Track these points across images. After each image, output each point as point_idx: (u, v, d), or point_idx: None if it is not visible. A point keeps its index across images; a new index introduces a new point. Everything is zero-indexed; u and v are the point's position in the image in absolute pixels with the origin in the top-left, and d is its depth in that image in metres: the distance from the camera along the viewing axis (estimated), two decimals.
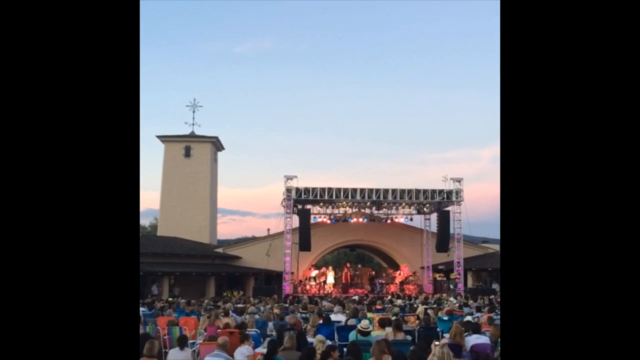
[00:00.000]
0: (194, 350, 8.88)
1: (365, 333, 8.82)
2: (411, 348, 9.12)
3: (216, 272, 30.71)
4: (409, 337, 9.52)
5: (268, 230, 35.16)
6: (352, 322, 12.02)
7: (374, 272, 33.36)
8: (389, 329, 9.50)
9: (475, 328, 9.01)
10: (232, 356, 8.12)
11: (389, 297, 23.87)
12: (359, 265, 34.86)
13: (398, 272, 32.72)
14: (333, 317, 12.50)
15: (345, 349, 8.80)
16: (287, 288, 27.29)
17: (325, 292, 29.13)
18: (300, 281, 30.24)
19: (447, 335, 9.77)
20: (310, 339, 9.38)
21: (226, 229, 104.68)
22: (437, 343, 6.68)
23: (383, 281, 31.21)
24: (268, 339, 9.54)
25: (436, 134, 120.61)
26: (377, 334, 9.03)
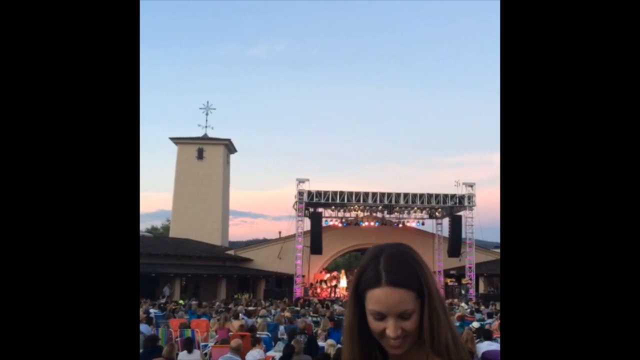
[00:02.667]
0: (206, 353, 8.93)
1: None
2: None
3: (227, 275, 30.83)
4: None
5: (279, 233, 35.27)
6: None
7: None
8: None
9: (486, 335, 8.97)
10: (244, 359, 8.17)
11: None
12: None
13: None
14: None
15: None
16: (298, 291, 27.33)
17: (336, 295, 29.13)
18: (311, 284, 30.26)
19: None
20: (321, 343, 9.40)
21: (237, 231, 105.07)
22: None
23: None
24: (280, 343, 9.58)
25: (449, 138, 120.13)
26: None
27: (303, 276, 28.41)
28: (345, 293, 29.79)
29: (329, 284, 30.67)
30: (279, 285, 30.92)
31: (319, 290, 30.00)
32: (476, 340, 8.71)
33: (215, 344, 9.02)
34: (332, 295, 29.31)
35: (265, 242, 38.29)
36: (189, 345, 7.97)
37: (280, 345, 9.50)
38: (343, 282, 30.89)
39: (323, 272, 32.03)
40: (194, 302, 20.18)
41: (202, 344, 9.70)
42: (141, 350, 7.95)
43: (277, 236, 35.75)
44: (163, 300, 22.87)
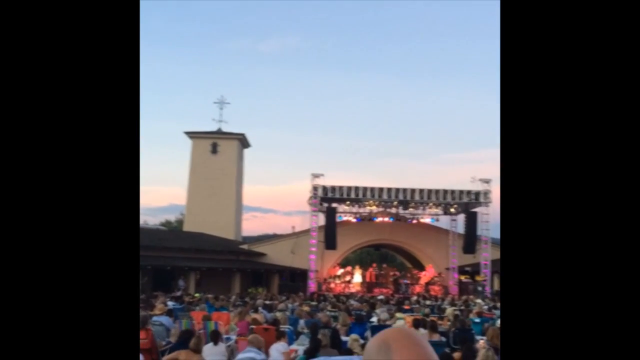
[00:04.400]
0: (229, 345, 8.95)
1: None
2: (446, 350, 9.04)
3: (241, 269, 30.93)
4: (443, 339, 9.45)
5: (293, 227, 35.33)
6: (385, 316, 11.98)
7: (398, 273, 33.16)
8: (423, 330, 9.44)
9: None
10: (267, 352, 8.16)
11: (415, 297, 23.76)
12: (384, 265, 34.77)
13: (423, 273, 32.52)
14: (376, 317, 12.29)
15: None
16: (312, 286, 27.35)
17: (350, 290, 29.12)
18: (325, 279, 30.28)
19: (481, 338, 9.67)
20: (343, 338, 9.38)
21: (248, 225, 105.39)
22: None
23: (408, 281, 31.06)
24: (303, 336, 9.57)
25: (464, 133, 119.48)
26: None
27: (316, 271, 28.43)
28: (360, 288, 29.77)
29: (342, 279, 30.66)
30: (293, 279, 30.99)
31: (332, 285, 30.01)
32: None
33: (239, 336, 9.03)
34: (346, 290, 29.29)
35: (278, 236, 38.35)
36: (215, 337, 7.98)
37: (302, 339, 9.50)
38: (357, 277, 30.83)
39: (337, 267, 32.03)
40: (210, 296, 20.29)
41: (224, 336, 9.72)
42: (170, 341, 7.98)
43: (287, 231, 35.85)
44: (179, 293, 23.01)
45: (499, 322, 10.95)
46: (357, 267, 32.39)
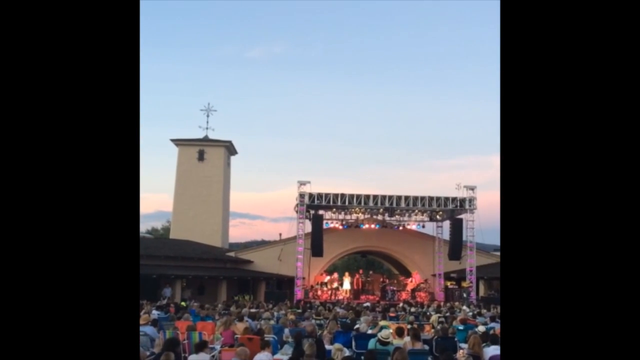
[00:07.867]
0: (213, 356, 8.95)
1: (385, 343, 8.84)
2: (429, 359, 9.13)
3: (228, 276, 30.80)
4: (426, 347, 9.53)
5: (280, 235, 35.27)
6: (364, 328, 12.03)
7: (387, 280, 33.20)
8: (407, 338, 9.52)
9: (493, 339, 9.00)
10: None
11: (401, 304, 23.84)
12: (370, 272, 34.80)
13: (410, 279, 32.64)
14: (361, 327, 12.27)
15: (363, 358, 8.84)
16: (299, 293, 27.32)
17: (337, 298, 29.13)
18: (312, 286, 30.25)
19: (463, 345, 9.78)
20: (327, 347, 9.41)
21: (236, 232, 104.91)
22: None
23: (394, 288, 31.13)
24: (287, 345, 9.60)
25: (447, 140, 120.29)
26: (396, 343, 9.06)
27: (303, 278, 28.40)
28: (349, 295, 29.77)
29: (329, 287, 30.65)
30: (280, 287, 30.90)
31: (319, 292, 29.98)
32: (482, 345, 8.75)
33: (222, 347, 9.03)
34: (333, 297, 29.29)
35: (265, 243, 38.25)
36: (202, 347, 7.98)
37: (287, 349, 9.53)
38: (346, 284, 30.83)
39: (323, 275, 32.02)
40: (195, 304, 20.18)
41: (209, 346, 9.71)
42: (154, 352, 7.95)
43: (275, 237, 35.78)
44: (164, 302, 22.85)
45: (481, 328, 11.06)
46: (346, 273, 32.42)
